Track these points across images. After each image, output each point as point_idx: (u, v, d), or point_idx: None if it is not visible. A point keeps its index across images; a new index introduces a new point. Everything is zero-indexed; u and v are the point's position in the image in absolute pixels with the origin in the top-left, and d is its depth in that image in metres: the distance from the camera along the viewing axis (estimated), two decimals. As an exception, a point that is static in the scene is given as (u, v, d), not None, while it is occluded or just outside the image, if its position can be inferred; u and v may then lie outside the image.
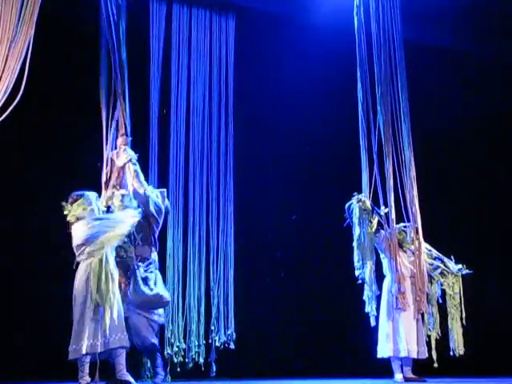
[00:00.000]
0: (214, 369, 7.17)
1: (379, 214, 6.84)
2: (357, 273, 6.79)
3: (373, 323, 6.75)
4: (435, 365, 6.72)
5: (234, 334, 7.27)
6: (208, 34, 7.60)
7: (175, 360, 6.99)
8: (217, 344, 7.22)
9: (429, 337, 6.82)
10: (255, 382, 6.76)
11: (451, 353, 6.84)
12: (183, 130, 7.42)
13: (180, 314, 7.10)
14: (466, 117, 8.67)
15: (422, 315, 6.83)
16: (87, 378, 5.51)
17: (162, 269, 6.98)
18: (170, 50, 7.40)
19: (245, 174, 7.72)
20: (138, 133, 6.83)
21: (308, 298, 7.98)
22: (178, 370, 6.98)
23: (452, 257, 6.97)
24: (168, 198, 7.08)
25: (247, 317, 7.53)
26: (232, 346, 7.24)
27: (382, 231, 6.86)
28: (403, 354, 6.66)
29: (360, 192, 6.93)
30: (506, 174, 8.93)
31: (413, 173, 7.09)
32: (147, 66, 7.31)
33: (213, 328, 7.24)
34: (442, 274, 6.87)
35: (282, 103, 8.18)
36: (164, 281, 6.53)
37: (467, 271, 6.93)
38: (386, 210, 6.86)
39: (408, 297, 6.71)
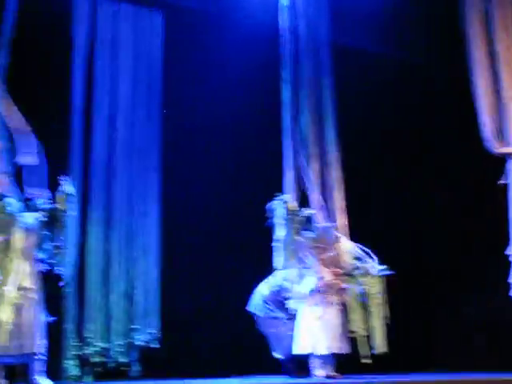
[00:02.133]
0: (137, 368, 7.07)
1: (303, 216, 6.90)
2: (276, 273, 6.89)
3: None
4: (363, 361, 6.76)
5: (158, 332, 7.20)
6: (135, 30, 7.52)
7: (95, 360, 6.87)
8: (139, 343, 7.12)
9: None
10: (179, 381, 6.65)
11: (373, 351, 6.86)
12: (106, 126, 7.30)
13: (101, 313, 6.99)
14: (393, 118, 8.81)
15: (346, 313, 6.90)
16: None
17: (83, 266, 6.96)
18: (95, 45, 7.29)
19: (170, 170, 7.64)
20: (61, 129, 6.71)
21: (237, 295, 7.80)
22: (98, 370, 6.87)
23: (375, 257, 7.01)
24: (91, 193, 7.12)
25: (171, 315, 7.43)
26: (155, 344, 7.17)
27: (305, 232, 6.91)
28: (324, 351, 6.71)
29: (282, 191, 6.96)
30: (433, 175, 9.11)
31: (338, 173, 7.15)
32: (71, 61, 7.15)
33: (135, 327, 7.14)
34: (363, 274, 6.97)
35: (209, 100, 8.16)
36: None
37: (387, 272, 6.96)
38: (311, 211, 6.93)
39: (329, 295, 6.78)
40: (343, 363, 6.94)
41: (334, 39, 7.52)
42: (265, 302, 7.08)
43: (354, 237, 7.19)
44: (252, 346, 7.48)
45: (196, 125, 8.10)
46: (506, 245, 6.87)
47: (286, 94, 7.18)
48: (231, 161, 8.27)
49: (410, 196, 8.99)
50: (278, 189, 7.00)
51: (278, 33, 7.33)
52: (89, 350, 6.87)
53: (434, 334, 8.84)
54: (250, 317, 7.27)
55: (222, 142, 8.24)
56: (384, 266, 6.93)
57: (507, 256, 6.87)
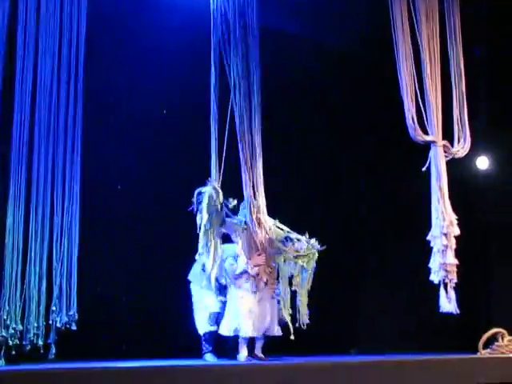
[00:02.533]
0: (54, 351, 6.98)
1: (227, 207, 6.91)
2: (197, 257, 6.88)
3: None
4: (291, 337, 6.84)
5: (77, 314, 7.10)
6: (58, 8, 7.27)
7: (10, 343, 6.74)
8: (58, 325, 7.01)
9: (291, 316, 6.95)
10: (98, 363, 6.52)
11: (298, 325, 6.95)
12: (28, 105, 7.12)
13: (18, 294, 6.86)
14: (319, 105, 8.89)
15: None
16: None
17: (2, 246, 6.86)
18: (16, 22, 7.09)
19: (93, 151, 7.54)
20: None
21: (156, 277, 7.96)
22: (14, 352, 6.76)
23: (304, 237, 7.06)
24: (10, 174, 6.98)
25: (91, 297, 7.41)
26: (74, 326, 7.06)
27: (229, 219, 6.93)
28: (250, 333, 6.79)
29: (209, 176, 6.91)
30: (359, 161, 9.26)
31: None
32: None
33: (54, 308, 7.02)
34: (294, 254, 7.00)
35: (135, 85, 8.10)
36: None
37: (319, 247, 7.02)
38: (235, 203, 6.95)
39: (259, 277, 6.81)
40: (276, 345, 7.04)
41: (262, 24, 7.33)
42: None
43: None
44: (173, 327, 7.58)
45: (121, 105, 8.03)
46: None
47: (213, 78, 7.08)
48: (156, 143, 8.21)
49: (335, 183, 9.08)
50: (205, 174, 6.93)
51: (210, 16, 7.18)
52: (4, 333, 6.74)
53: (358, 318, 9.00)
54: (172, 298, 7.36)
55: (147, 124, 8.18)
56: (314, 242, 6.96)
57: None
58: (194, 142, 7.81)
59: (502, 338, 6.32)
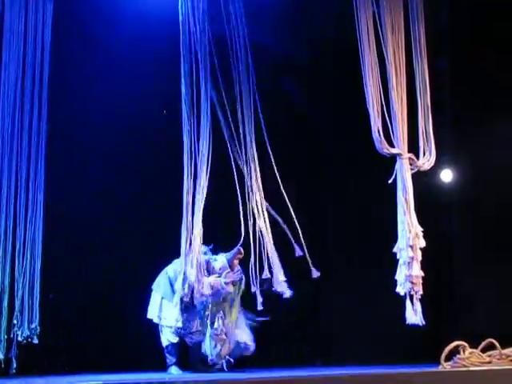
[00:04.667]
0: (15, 365, 6.99)
1: None
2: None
3: None
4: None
5: (39, 327, 7.12)
6: (23, 17, 7.28)
7: (-29, 358, 6.66)
8: (19, 338, 7.03)
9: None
10: (60, 377, 6.69)
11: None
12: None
13: (-21, 308, 6.78)
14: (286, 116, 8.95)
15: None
16: None
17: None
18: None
19: (57, 160, 7.54)
20: None
21: (120, 289, 7.97)
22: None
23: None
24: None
25: (53, 310, 7.42)
26: (35, 340, 7.08)
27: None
28: None
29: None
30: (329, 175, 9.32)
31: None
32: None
33: (15, 322, 7.04)
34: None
35: (103, 87, 8.09)
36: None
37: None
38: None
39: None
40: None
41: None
42: (170, 282, 7.28)
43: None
44: (137, 338, 7.63)
45: (87, 111, 8.04)
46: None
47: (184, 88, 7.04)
48: (123, 148, 8.24)
49: (300, 196, 8.96)
50: (177, 180, 6.91)
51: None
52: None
53: (324, 329, 9.07)
54: (137, 308, 7.38)
55: (112, 131, 8.18)
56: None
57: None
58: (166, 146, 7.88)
59: (464, 351, 6.40)
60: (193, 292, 6.72)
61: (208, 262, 7.24)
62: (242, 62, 7.26)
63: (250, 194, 7.10)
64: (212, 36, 7.08)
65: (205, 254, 7.24)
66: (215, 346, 7.07)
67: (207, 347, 7.11)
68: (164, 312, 7.25)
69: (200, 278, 6.72)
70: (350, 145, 8.78)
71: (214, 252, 7.41)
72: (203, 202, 6.72)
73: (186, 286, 6.71)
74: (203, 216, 6.73)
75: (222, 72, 7.17)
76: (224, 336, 7.05)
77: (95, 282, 7.91)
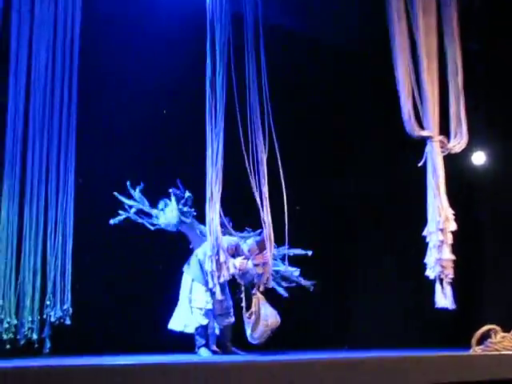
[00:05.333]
0: (48, 345, 7.09)
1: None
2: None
3: None
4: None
5: (71, 308, 7.19)
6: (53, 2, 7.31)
7: (5, 337, 6.82)
8: (52, 319, 7.12)
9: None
10: (93, 358, 6.49)
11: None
12: (23, 96, 7.17)
13: (12, 289, 6.94)
14: (313, 102, 8.91)
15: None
16: None
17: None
18: (10, 12, 7.11)
19: (87, 143, 7.55)
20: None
21: (152, 270, 7.99)
22: (8, 347, 6.84)
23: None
24: (4, 168, 7.04)
25: (85, 291, 7.43)
26: (68, 321, 7.18)
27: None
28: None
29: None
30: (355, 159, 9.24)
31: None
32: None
33: (48, 303, 7.12)
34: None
35: (132, 71, 8.09)
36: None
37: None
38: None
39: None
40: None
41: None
42: (200, 264, 7.30)
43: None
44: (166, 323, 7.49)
45: (116, 97, 8.02)
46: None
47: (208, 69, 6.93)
48: (152, 138, 8.24)
49: (326, 177, 9.09)
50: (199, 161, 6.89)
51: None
52: (-1, 328, 6.76)
53: (351, 314, 9.07)
54: (168, 292, 7.39)
55: (141, 114, 8.17)
56: None
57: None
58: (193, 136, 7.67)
59: (495, 335, 6.37)
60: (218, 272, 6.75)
61: (237, 245, 7.28)
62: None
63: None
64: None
65: (233, 236, 7.31)
66: (248, 327, 7.12)
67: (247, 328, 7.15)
68: (194, 294, 7.31)
69: (224, 259, 6.73)
70: (377, 128, 8.66)
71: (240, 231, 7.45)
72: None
73: (210, 264, 6.74)
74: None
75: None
76: (254, 318, 7.06)
77: (128, 262, 7.91)
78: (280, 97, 7.29)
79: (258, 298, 7.04)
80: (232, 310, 7.40)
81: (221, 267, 6.70)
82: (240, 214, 7.29)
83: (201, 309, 7.27)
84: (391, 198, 8.84)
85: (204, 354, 7.23)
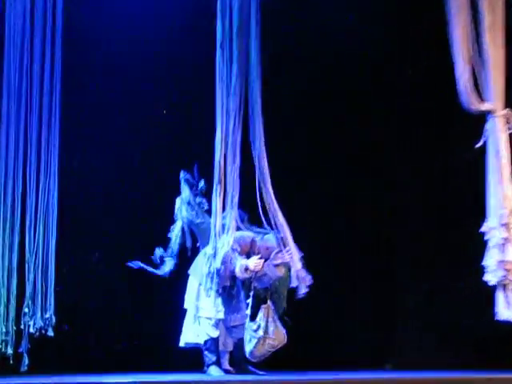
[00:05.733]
0: (27, 361, 6.48)
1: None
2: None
3: None
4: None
5: (54, 317, 6.60)
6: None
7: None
8: (31, 330, 6.54)
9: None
10: (80, 377, 6.11)
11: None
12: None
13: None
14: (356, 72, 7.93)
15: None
16: None
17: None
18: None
19: (73, 120, 6.90)
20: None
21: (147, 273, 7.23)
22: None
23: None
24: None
25: (71, 297, 6.92)
26: (50, 332, 6.58)
27: None
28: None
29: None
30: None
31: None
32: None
33: (26, 310, 6.55)
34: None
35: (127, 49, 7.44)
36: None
37: None
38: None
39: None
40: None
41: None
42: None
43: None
44: (171, 335, 6.85)
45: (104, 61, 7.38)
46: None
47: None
48: (148, 116, 7.56)
49: (365, 164, 8.11)
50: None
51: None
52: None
53: (395, 327, 8.15)
54: (168, 296, 6.94)
55: (141, 92, 7.51)
56: None
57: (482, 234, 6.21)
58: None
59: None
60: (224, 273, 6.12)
61: (253, 241, 6.42)
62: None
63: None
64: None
65: (249, 230, 6.48)
66: (249, 341, 6.30)
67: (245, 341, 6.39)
68: (202, 301, 6.47)
69: (230, 258, 6.10)
70: (430, 101, 7.69)
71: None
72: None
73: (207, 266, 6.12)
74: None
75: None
76: (261, 333, 6.24)
77: (122, 262, 7.21)
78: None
79: (268, 310, 6.25)
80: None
81: (225, 269, 6.08)
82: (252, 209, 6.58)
83: (210, 319, 6.46)
84: (441, 187, 7.89)
85: (214, 374, 6.38)
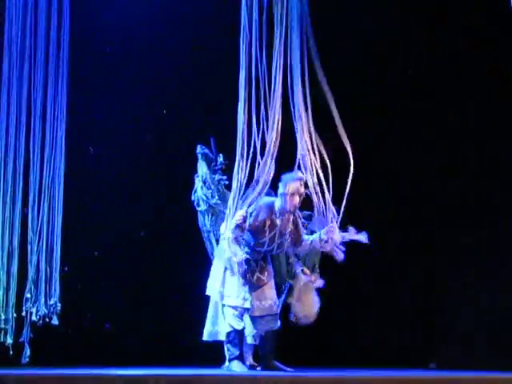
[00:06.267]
0: (28, 353, 6.13)
1: None
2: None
3: None
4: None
5: (59, 304, 6.24)
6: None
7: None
8: (34, 318, 6.19)
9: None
10: (87, 369, 5.64)
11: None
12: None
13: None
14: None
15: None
16: None
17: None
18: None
19: (81, 90, 6.58)
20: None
21: (162, 256, 6.98)
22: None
23: None
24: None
25: (77, 281, 6.65)
26: (55, 320, 6.22)
27: None
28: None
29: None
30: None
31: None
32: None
33: (29, 296, 6.21)
34: None
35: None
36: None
37: None
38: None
39: None
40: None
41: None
42: None
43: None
44: (189, 326, 6.55)
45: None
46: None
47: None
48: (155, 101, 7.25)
49: (399, 157, 7.58)
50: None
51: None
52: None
53: (439, 325, 7.66)
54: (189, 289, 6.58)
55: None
56: None
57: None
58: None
59: None
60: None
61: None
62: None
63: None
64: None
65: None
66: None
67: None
68: (228, 288, 5.96)
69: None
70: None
71: None
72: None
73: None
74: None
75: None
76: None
77: (134, 242, 6.97)
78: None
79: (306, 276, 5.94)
80: (278, 311, 6.06)
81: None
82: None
83: (235, 308, 5.94)
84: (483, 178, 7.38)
85: (236, 369, 5.89)
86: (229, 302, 5.95)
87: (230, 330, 5.98)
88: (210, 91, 7.14)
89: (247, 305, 5.89)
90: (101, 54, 7.10)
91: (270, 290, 5.93)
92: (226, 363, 6.12)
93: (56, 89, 6.27)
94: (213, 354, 6.38)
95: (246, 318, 6.03)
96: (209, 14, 7.23)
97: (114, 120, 7.07)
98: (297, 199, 5.67)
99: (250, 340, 6.14)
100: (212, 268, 6.16)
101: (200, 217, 6.26)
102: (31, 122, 6.16)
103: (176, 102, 7.28)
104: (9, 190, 6.12)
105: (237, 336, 5.98)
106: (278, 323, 6.01)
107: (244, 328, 6.04)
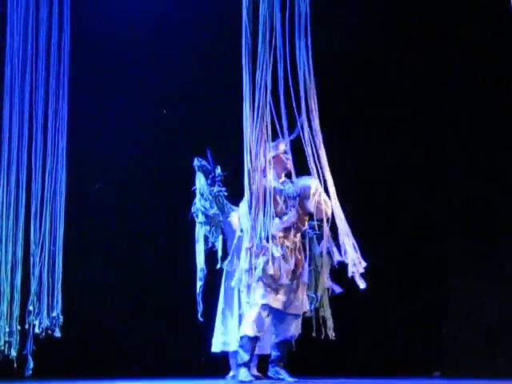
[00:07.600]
0: (31, 365, 6.03)
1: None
2: None
3: None
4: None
5: (62, 316, 6.14)
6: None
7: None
8: (36, 330, 6.08)
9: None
10: (87, 382, 5.94)
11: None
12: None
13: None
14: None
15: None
16: None
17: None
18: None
19: (82, 98, 6.59)
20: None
21: (164, 268, 7.00)
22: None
23: None
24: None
25: (81, 294, 6.68)
26: (58, 333, 6.11)
27: None
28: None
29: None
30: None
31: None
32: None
33: (31, 308, 6.09)
34: None
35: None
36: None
37: None
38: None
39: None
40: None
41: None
42: None
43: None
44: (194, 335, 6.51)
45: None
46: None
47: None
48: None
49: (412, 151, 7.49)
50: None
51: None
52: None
53: (444, 331, 7.62)
54: (185, 292, 6.40)
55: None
56: None
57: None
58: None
59: None
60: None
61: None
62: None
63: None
64: None
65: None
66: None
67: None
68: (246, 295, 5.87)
69: None
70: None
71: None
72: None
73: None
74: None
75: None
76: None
77: (139, 253, 7.00)
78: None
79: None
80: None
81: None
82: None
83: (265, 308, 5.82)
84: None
85: (243, 378, 5.72)
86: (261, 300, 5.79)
87: (242, 334, 5.83)
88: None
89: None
90: (102, 64, 7.08)
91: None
92: (231, 373, 6.04)
93: (57, 100, 6.15)
94: (215, 364, 6.32)
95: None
96: (211, 15, 7.17)
97: (116, 130, 7.05)
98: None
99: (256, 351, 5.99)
100: (223, 278, 6.11)
101: (198, 228, 6.21)
102: (33, 134, 6.05)
103: (187, 107, 7.24)
104: (11, 201, 6.04)
105: (250, 341, 5.80)
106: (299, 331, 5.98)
107: (257, 337, 5.85)
